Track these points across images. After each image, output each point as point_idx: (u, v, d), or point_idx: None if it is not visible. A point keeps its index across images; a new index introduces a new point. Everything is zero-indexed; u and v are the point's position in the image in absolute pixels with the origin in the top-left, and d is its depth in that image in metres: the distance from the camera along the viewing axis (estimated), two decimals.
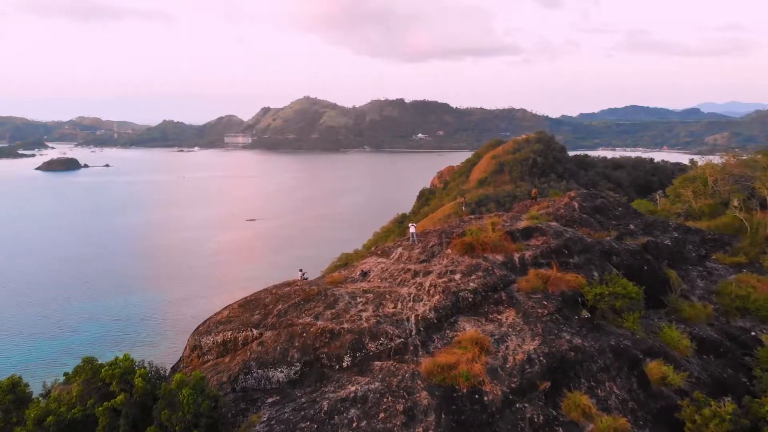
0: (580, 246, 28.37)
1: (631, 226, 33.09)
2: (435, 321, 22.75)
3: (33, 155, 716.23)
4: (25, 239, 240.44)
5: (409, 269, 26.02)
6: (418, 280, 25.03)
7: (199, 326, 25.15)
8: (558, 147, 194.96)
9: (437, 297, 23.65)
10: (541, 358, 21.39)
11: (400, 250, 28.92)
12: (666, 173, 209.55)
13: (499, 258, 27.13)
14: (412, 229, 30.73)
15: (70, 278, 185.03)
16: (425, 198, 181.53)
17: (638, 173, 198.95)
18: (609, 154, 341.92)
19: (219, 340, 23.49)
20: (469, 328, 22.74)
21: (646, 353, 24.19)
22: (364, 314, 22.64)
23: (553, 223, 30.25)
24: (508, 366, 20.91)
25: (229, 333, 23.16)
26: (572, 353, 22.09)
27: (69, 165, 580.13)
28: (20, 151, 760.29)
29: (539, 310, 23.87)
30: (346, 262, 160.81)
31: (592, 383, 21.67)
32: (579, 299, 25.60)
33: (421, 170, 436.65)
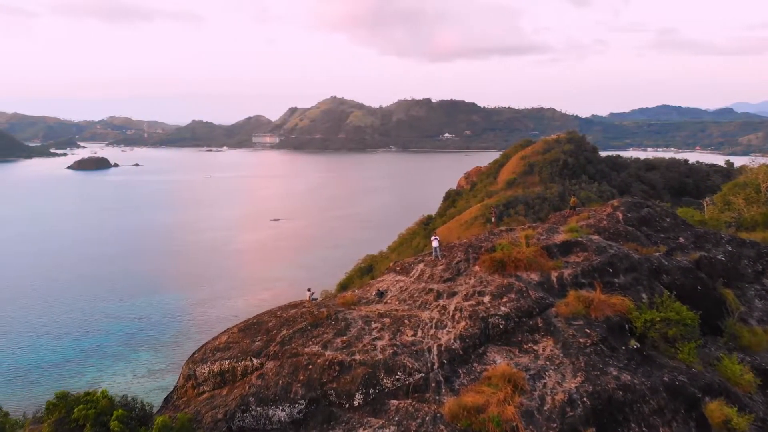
0: (627, 263, 25.06)
1: (681, 240, 29.56)
2: (460, 352, 19.79)
3: (65, 154, 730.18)
4: (53, 238, 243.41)
5: (431, 289, 23.08)
6: (441, 302, 22.09)
7: (194, 353, 22.56)
8: (589, 147, 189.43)
9: (463, 323, 20.70)
10: (585, 399, 18.29)
11: (421, 266, 25.90)
12: (701, 175, 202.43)
13: (534, 277, 24.01)
14: (434, 243, 27.71)
15: (96, 277, 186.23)
16: (451, 199, 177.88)
17: (672, 175, 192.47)
18: (640, 154, 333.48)
19: (216, 370, 20.85)
20: (500, 361, 19.73)
21: (704, 391, 20.87)
22: (379, 343, 19.80)
23: (595, 237, 26.93)
24: (545, 409, 17.87)
25: (227, 362, 20.51)
26: (620, 392, 18.93)
27: (99, 164, 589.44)
28: (52, 151, 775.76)
29: (581, 340, 20.72)
30: (370, 263, 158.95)
31: (644, 429, 18.52)
32: (626, 326, 22.39)
33: (447, 170, 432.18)
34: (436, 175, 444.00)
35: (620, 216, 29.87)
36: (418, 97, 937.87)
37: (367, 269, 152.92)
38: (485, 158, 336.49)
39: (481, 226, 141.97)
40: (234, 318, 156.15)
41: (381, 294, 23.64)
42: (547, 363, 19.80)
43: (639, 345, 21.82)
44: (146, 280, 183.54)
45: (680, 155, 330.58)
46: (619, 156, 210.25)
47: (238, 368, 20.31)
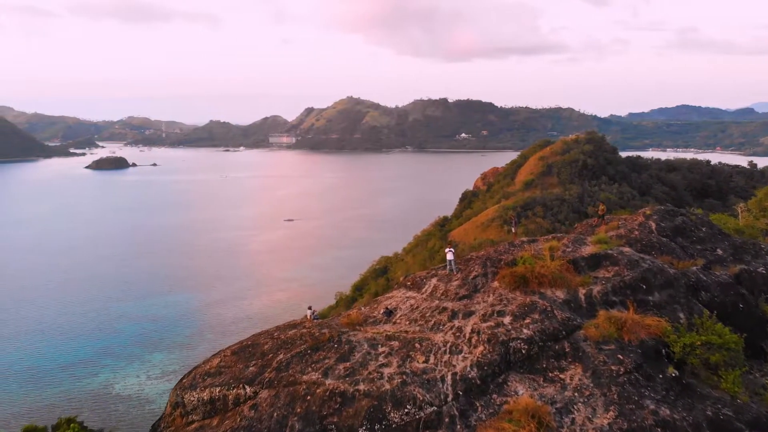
0: (662, 279, 22.64)
1: (719, 251, 26.99)
2: (478, 381, 17.56)
3: (84, 154, 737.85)
4: (70, 237, 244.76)
5: (445, 308, 20.83)
6: (456, 323, 19.86)
7: (183, 377, 20.56)
8: (609, 148, 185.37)
9: (481, 348, 18.48)
10: None
11: (434, 281, 23.57)
12: (724, 176, 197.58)
13: (560, 295, 21.67)
14: (449, 255, 25.26)
15: (111, 277, 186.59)
16: (468, 200, 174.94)
17: (694, 176, 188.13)
18: (660, 155, 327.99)
19: (206, 398, 18.80)
20: (522, 392, 17.51)
21: (752, 426, 18.49)
22: (386, 370, 17.67)
23: (626, 249, 24.44)
24: None
25: (218, 389, 18.44)
26: (659, 430, 16.66)
27: (117, 164, 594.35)
28: (71, 150, 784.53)
29: (613, 367, 18.42)
30: (385, 264, 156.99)
31: None
32: (663, 351, 20.03)
33: (463, 171, 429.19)
34: (452, 175, 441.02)
35: (653, 226, 27.32)
36: (435, 97, 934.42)
37: (382, 270, 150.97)
38: (502, 158, 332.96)
39: (497, 228, 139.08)
40: (247, 319, 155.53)
41: (389, 313, 21.47)
42: (576, 395, 17.54)
43: (677, 373, 19.47)
44: (161, 280, 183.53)
45: (700, 156, 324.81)
46: (639, 157, 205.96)
47: (230, 396, 18.25)
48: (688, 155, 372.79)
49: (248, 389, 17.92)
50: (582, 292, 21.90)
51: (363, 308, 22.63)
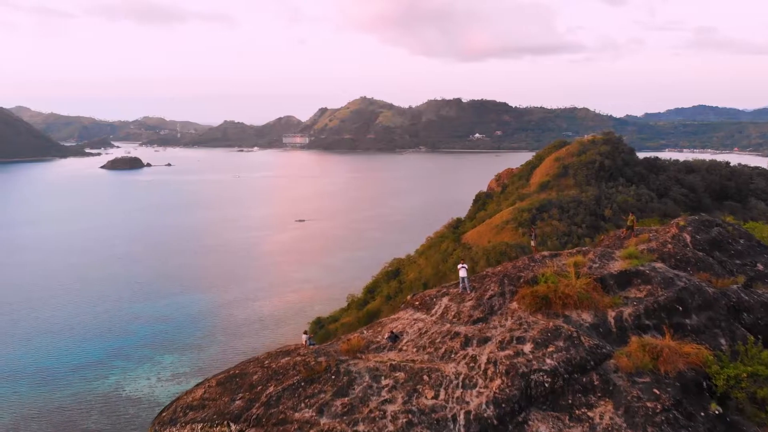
0: (700, 299, 20.23)
1: (759, 266, 24.48)
2: (494, 421, 15.26)
3: (99, 154, 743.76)
4: (84, 237, 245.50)
5: (457, 333, 18.49)
6: (470, 351, 17.55)
7: (163, 411, 18.44)
8: (626, 149, 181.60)
9: (498, 381, 16.22)
10: None
11: (445, 301, 21.16)
12: (744, 178, 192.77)
13: (587, 318, 19.30)
14: (462, 272, 22.79)
15: (123, 277, 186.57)
16: (482, 202, 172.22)
17: (713, 178, 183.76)
18: (676, 155, 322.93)
19: None
20: None
21: None
22: (389, 408, 15.46)
23: (659, 265, 22.00)
24: None
25: (200, 425, 16.28)
26: None
27: (132, 164, 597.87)
28: (87, 150, 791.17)
29: (649, 404, 16.10)
30: (397, 267, 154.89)
31: None
32: (704, 383, 17.69)
33: (477, 171, 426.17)
34: (465, 176, 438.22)
35: (688, 238, 24.78)
36: (449, 97, 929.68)
37: (394, 273, 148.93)
38: (516, 159, 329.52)
39: (512, 230, 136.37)
40: (259, 321, 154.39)
41: (395, 338, 19.23)
42: None
43: (720, 410, 17.12)
44: (172, 281, 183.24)
45: (717, 156, 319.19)
46: (657, 158, 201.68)
47: None
48: (705, 156, 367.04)
49: (233, 427, 15.76)
50: (611, 314, 19.52)
51: (365, 332, 20.34)
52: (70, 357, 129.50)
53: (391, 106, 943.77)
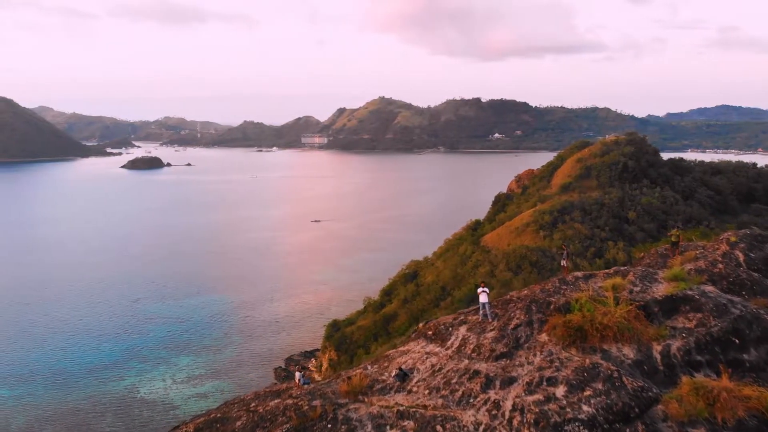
0: (758, 330, 17.35)
1: None
2: None
3: (120, 154, 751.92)
4: (102, 236, 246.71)
5: (477, 372, 15.75)
6: (492, 395, 14.85)
7: None
8: (651, 149, 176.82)
9: None
10: None
11: (463, 331, 18.31)
12: None
13: (629, 353, 16.47)
14: (482, 297, 19.84)
15: (140, 277, 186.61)
16: (501, 203, 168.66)
17: (740, 179, 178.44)
18: (699, 156, 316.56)
19: None
20: None
21: None
22: None
23: (710, 288, 18.99)
24: None
25: None
26: None
27: (152, 164, 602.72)
28: (108, 150, 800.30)
29: None
30: (415, 269, 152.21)
31: None
32: None
33: (496, 172, 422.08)
34: (485, 176, 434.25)
35: (741, 257, 21.78)
36: (468, 96, 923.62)
37: (411, 275, 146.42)
38: (536, 159, 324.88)
39: (533, 233, 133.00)
40: (275, 323, 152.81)
41: (403, 376, 16.56)
42: None
43: None
44: (189, 281, 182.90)
45: (741, 157, 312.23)
46: (682, 159, 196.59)
47: None
48: (729, 157, 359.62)
49: None
50: (657, 349, 16.69)
51: (369, 367, 17.64)
52: (86, 358, 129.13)
53: (409, 106, 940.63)
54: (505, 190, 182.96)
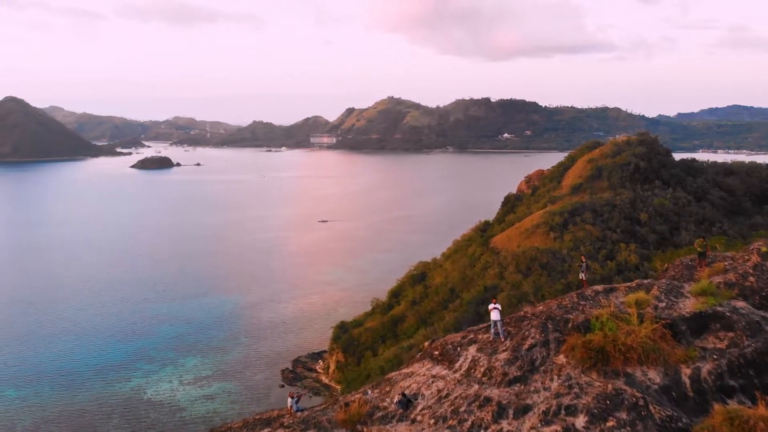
0: None
1: None
2: None
3: (130, 153, 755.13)
4: (110, 236, 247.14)
5: (488, 399, 14.29)
6: (504, 426, 13.33)
7: None
8: (663, 150, 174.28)
9: None
10: None
11: (473, 351, 16.72)
12: None
13: (655, 377, 14.95)
14: (494, 315, 18.08)
15: (148, 277, 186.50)
16: (511, 204, 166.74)
17: (753, 180, 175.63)
18: (710, 156, 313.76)
19: None
20: None
21: None
22: None
23: (741, 304, 17.39)
24: None
25: None
26: None
27: (162, 163, 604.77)
28: (118, 150, 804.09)
29: None
30: (423, 271, 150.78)
31: None
32: None
33: (506, 172, 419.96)
34: (494, 176, 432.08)
35: None
36: (477, 96, 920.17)
37: (420, 277, 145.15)
38: (546, 159, 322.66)
39: (543, 234, 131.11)
40: (282, 324, 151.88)
41: (407, 403, 15.07)
42: None
43: None
44: (196, 281, 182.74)
45: (753, 157, 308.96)
46: (694, 159, 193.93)
47: None
48: (741, 157, 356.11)
49: None
50: (686, 372, 15.21)
51: (370, 392, 16.10)
52: (93, 358, 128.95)
53: (418, 106, 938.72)
54: (514, 191, 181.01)
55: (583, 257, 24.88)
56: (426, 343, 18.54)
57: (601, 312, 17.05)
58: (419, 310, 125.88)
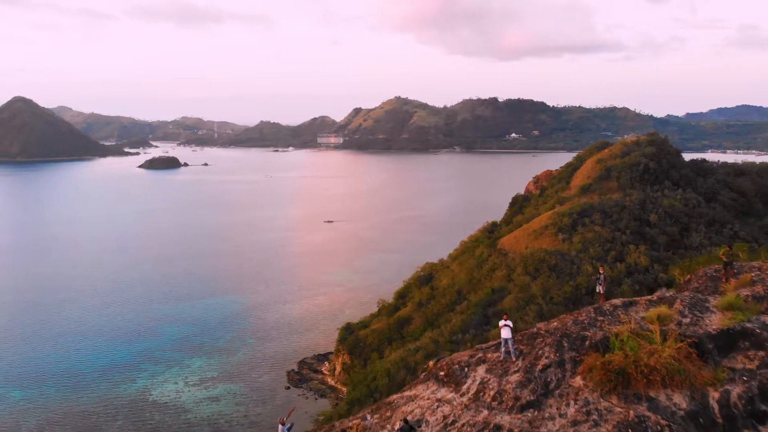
0: None
1: None
2: None
3: (137, 153, 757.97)
4: (118, 236, 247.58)
5: (499, 427, 12.88)
6: None
7: None
8: (672, 150, 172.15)
9: None
10: None
11: (481, 372, 15.43)
12: None
13: (681, 402, 13.64)
14: (505, 332, 16.68)
15: (155, 278, 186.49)
16: (519, 205, 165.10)
17: (764, 181, 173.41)
18: (720, 157, 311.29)
19: None
20: None
21: None
22: None
23: None
24: None
25: None
26: None
27: (169, 163, 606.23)
28: (126, 150, 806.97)
29: None
30: (430, 272, 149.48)
31: None
32: None
33: (514, 172, 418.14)
34: (501, 177, 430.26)
35: None
36: (484, 96, 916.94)
37: (426, 278, 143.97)
38: (554, 159, 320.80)
39: (552, 236, 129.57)
40: (288, 325, 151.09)
41: (409, 430, 13.81)
42: None
43: None
44: (202, 282, 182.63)
45: (764, 158, 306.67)
46: (704, 160, 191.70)
47: None
48: (750, 157, 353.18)
49: None
50: (714, 396, 13.98)
51: (369, 417, 14.94)
52: (99, 359, 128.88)
53: (425, 106, 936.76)
54: (522, 192, 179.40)
55: (600, 268, 23.43)
56: (431, 363, 17.29)
57: (620, 329, 15.73)
58: (426, 312, 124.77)
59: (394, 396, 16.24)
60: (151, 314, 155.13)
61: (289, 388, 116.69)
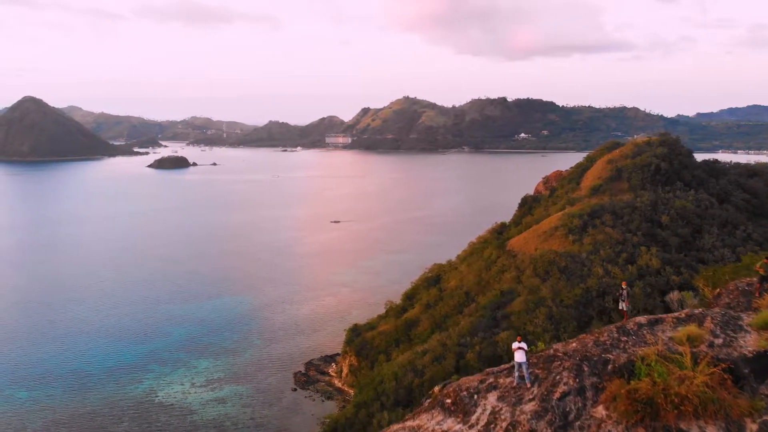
0: None
1: None
2: None
3: (147, 153, 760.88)
4: (125, 236, 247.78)
5: None
6: None
7: None
8: (684, 151, 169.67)
9: None
10: None
11: (492, 400, 14.02)
12: None
13: None
14: (519, 356, 15.26)
15: (162, 278, 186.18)
16: (528, 206, 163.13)
17: None
18: (731, 157, 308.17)
19: None
20: None
21: None
22: None
23: None
24: None
25: None
26: None
27: (178, 163, 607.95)
28: (135, 149, 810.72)
29: None
30: (438, 273, 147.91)
31: None
32: None
33: (523, 173, 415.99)
34: (510, 177, 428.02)
35: None
36: (493, 96, 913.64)
37: (434, 279, 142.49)
38: (564, 160, 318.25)
39: (562, 237, 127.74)
40: (295, 325, 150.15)
41: None
42: None
43: None
44: (209, 281, 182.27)
45: None
46: (716, 161, 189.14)
47: None
48: (761, 158, 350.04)
49: None
50: (752, 428, 12.47)
51: None
52: (105, 359, 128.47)
53: (434, 106, 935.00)
54: (531, 192, 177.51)
55: (624, 283, 21.64)
56: (436, 388, 15.76)
57: (647, 351, 14.18)
58: (434, 314, 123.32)
59: (396, 426, 14.84)
60: (157, 314, 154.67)
61: (296, 389, 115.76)
